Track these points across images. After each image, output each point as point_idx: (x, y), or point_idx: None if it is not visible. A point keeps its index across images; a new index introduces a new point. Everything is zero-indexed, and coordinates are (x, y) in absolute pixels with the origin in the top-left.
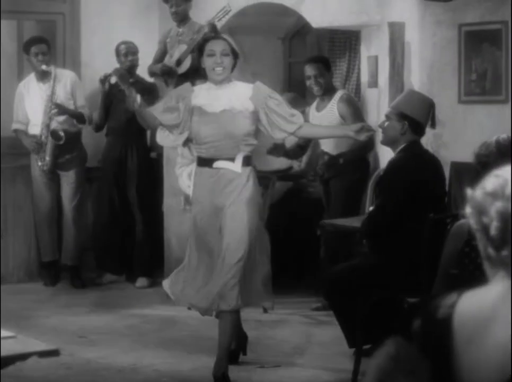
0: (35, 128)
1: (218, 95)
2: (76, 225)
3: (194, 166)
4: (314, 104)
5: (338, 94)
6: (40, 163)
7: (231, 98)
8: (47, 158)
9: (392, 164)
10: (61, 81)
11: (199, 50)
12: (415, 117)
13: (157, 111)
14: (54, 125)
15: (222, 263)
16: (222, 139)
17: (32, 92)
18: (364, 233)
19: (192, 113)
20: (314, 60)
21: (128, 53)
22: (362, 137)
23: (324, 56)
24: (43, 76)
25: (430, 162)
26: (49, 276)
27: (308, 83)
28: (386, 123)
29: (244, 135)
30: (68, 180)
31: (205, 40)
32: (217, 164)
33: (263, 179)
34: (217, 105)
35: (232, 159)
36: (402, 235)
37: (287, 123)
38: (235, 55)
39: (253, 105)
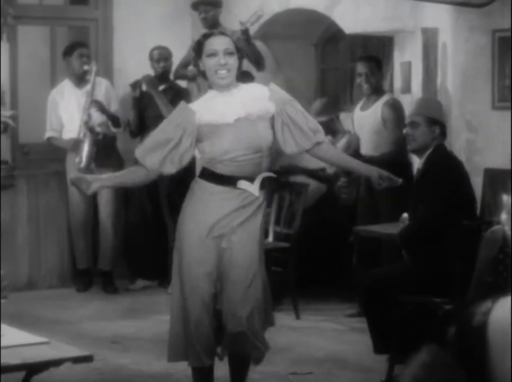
0: (70, 133)
1: (227, 102)
2: (113, 231)
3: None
4: (360, 103)
5: (385, 98)
6: (76, 160)
7: (245, 103)
8: (84, 155)
9: (428, 172)
10: (96, 88)
11: (197, 50)
12: (444, 121)
13: (142, 151)
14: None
15: (232, 316)
16: (242, 153)
17: (67, 97)
18: (404, 242)
19: (201, 135)
20: (367, 58)
21: (160, 58)
22: (380, 186)
23: (376, 56)
24: (80, 81)
25: (460, 166)
26: (82, 282)
27: (358, 80)
28: (415, 131)
29: (268, 145)
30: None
31: (204, 37)
32: (240, 184)
33: (296, 186)
34: (229, 115)
35: (252, 179)
36: (439, 243)
37: (305, 137)
38: (240, 54)
39: (274, 107)
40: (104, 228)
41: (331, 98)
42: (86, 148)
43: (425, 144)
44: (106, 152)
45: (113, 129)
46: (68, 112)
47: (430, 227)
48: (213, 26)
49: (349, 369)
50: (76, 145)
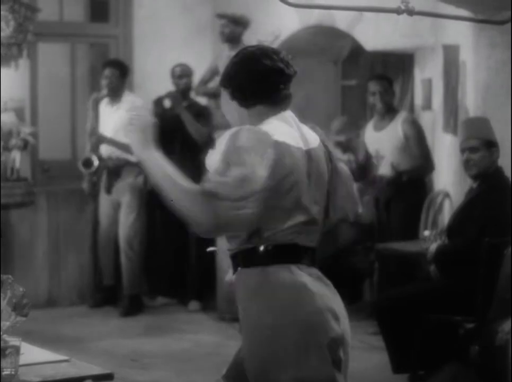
0: (106, 148)
1: None
2: (135, 252)
3: None
4: (371, 124)
5: (402, 115)
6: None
7: None
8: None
9: (485, 195)
10: (124, 105)
11: None
12: (498, 142)
13: None
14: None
15: None
16: None
17: (102, 110)
18: (440, 259)
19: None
20: (380, 77)
21: (182, 75)
22: None
23: (387, 75)
24: (113, 98)
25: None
26: (104, 299)
27: (371, 99)
28: (474, 155)
29: None
30: (125, 205)
31: None
32: None
33: None
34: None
35: None
36: (475, 262)
37: None
38: None
39: None
40: (125, 249)
41: (351, 115)
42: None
43: (486, 167)
44: (126, 174)
45: (129, 157)
46: (103, 127)
47: (477, 248)
48: (230, 41)
49: None
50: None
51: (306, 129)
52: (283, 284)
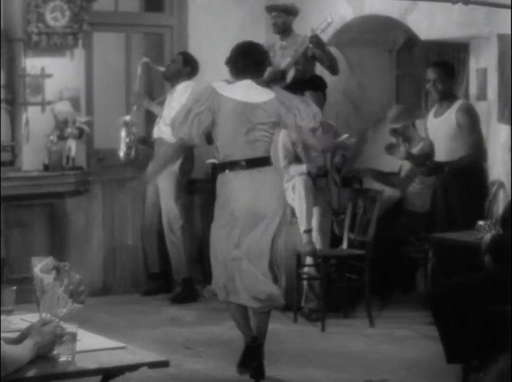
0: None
1: None
2: (183, 239)
3: (298, 179)
4: (433, 110)
5: (458, 103)
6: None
7: None
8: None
9: None
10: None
11: None
12: None
13: None
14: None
15: None
16: None
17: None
18: (495, 249)
19: None
20: (436, 64)
21: None
22: None
23: (448, 62)
24: (172, 83)
25: None
26: (155, 287)
27: (427, 86)
28: None
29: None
30: (163, 190)
31: None
32: None
33: (371, 192)
34: None
35: None
36: None
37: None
38: None
39: None
40: (168, 235)
41: (406, 105)
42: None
43: None
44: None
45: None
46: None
47: None
48: (283, 32)
49: (423, 376)
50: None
51: (258, 91)
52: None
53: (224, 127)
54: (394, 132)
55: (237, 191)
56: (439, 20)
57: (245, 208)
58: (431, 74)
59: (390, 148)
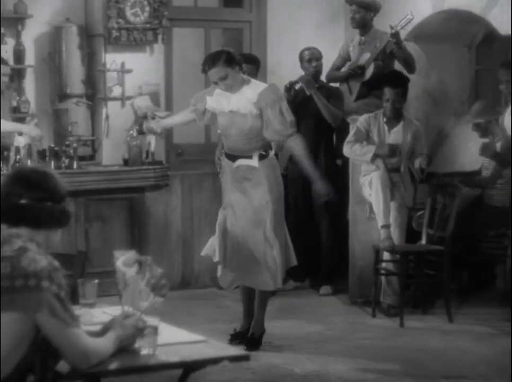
0: None
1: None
2: None
3: (375, 174)
4: (508, 110)
5: None
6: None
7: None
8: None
9: None
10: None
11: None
12: None
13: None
14: None
15: None
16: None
17: None
18: None
19: None
20: (507, 64)
21: (311, 59)
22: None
23: None
24: None
25: None
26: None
27: (500, 87)
28: None
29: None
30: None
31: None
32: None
33: (450, 188)
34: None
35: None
36: None
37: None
38: (236, 67)
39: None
40: None
41: (487, 100)
42: None
43: None
44: None
45: None
46: None
47: None
48: (361, 27)
49: (501, 373)
50: None
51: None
52: None
53: None
54: (477, 127)
55: None
56: None
57: None
58: (502, 75)
59: (484, 149)
